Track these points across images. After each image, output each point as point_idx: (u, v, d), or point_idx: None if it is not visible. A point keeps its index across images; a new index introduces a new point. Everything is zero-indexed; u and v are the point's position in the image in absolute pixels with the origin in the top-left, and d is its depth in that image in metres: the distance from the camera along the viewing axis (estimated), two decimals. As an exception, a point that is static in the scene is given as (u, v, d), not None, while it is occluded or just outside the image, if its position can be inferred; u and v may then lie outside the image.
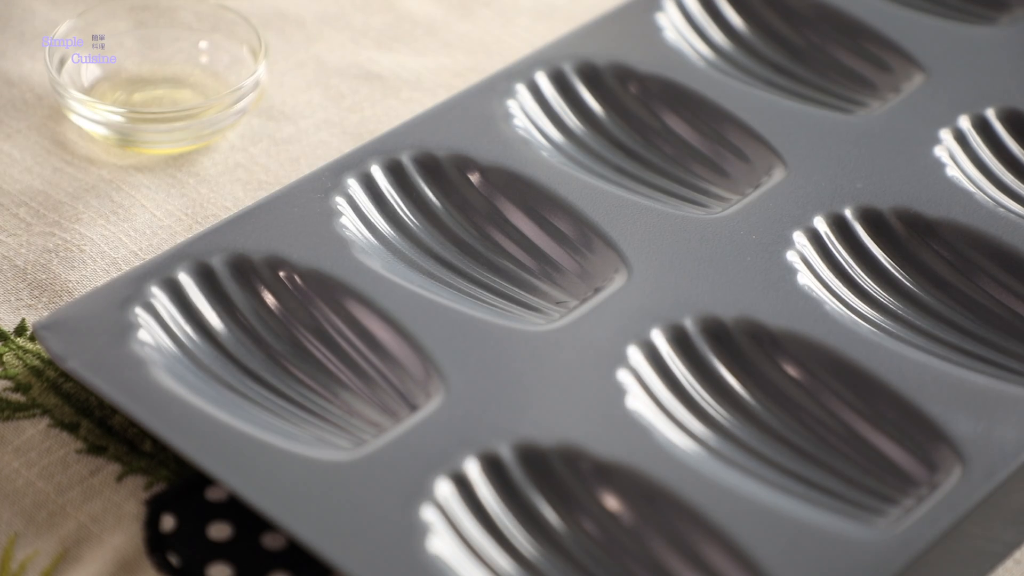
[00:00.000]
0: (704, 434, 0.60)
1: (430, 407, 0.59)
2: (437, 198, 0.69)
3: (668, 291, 0.64)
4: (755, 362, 0.62)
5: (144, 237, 0.69)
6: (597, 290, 0.65)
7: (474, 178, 0.69)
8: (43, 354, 0.63)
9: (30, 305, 0.66)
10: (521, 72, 0.74)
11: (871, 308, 0.65)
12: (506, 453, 0.58)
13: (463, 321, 0.62)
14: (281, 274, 0.64)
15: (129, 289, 0.63)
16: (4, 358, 0.63)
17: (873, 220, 0.68)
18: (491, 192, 0.69)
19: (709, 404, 0.61)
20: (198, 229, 0.69)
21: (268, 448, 0.58)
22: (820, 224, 0.67)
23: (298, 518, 0.55)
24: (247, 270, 0.64)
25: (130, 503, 0.58)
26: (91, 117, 0.72)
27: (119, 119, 0.72)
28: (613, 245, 0.66)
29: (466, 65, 0.79)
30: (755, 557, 0.55)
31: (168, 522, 0.58)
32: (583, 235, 0.67)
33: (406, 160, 0.69)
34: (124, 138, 0.73)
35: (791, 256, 0.65)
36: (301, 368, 0.62)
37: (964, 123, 0.72)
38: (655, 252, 0.65)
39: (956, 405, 0.60)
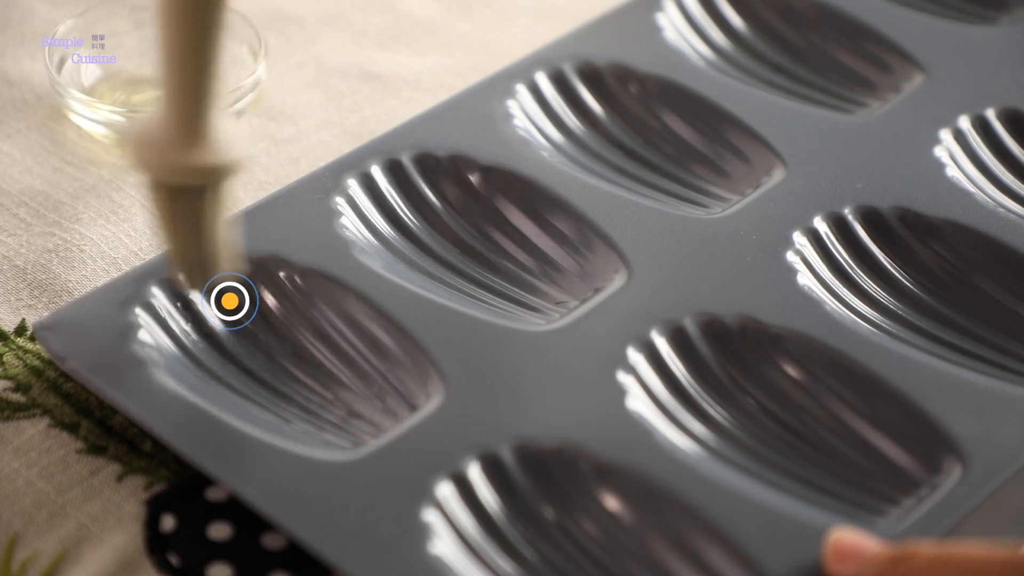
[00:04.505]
0: (704, 434, 0.60)
1: (430, 407, 0.59)
2: (437, 198, 0.69)
3: (668, 291, 0.64)
4: (755, 362, 0.62)
5: (144, 237, 0.69)
6: (597, 290, 0.65)
7: (474, 178, 0.69)
8: (43, 354, 0.63)
9: (30, 305, 0.66)
10: (521, 72, 0.74)
11: (871, 308, 0.65)
12: (506, 453, 0.58)
13: (463, 321, 0.62)
14: (281, 274, 0.64)
15: (129, 289, 0.63)
16: (4, 358, 0.63)
17: (873, 220, 0.68)
18: (491, 192, 0.69)
19: (709, 404, 0.61)
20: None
21: (268, 448, 0.58)
22: (820, 224, 0.67)
23: (298, 518, 0.55)
24: (247, 271, 0.64)
25: (130, 503, 0.58)
26: (91, 117, 0.72)
27: (119, 119, 0.72)
28: (613, 245, 0.66)
29: (466, 65, 0.79)
30: (755, 557, 0.55)
31: (168, 522, 0.58)
32: (583, 235, 0.67)
33: (406, 160, 0.69)
34: (124, 138, 0.73)
35: (791, 256, 0.65)
36: (301, 368, 0.62)
37: (964, 123, 0.72)
38: (655, 252, 0.65)
39: (956, 405, 0.60)
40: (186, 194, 0.58)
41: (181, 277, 0.60)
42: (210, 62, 0.55)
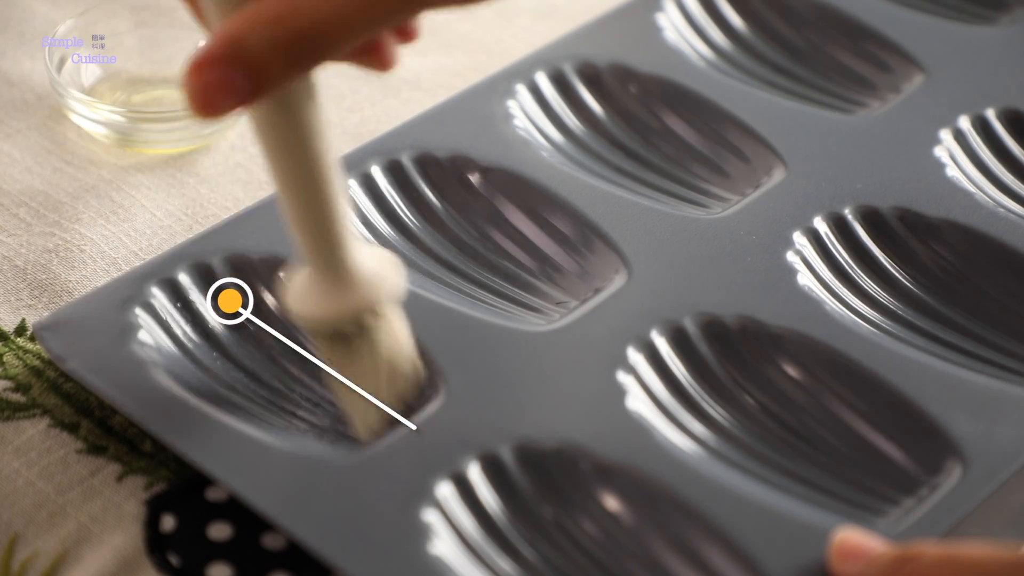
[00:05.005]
0: (704, 434, 0.60)
1: (430, 408, 0.59)
2: (437, 198, 0.69)
3: (668, 291, 0.64)
4: (755, 362, 0.62)
5: (144, 237, 0.69)
6: (597, 290, 0.65)
7: (474, 178, 0.69)
8: (43, 354, 0.63)
9: (30, 305, 0.66)
10: (521, 72, 0.74)
11: (871, 308, 0.65)
12: (506, 453, 0.58)
13: (463, 321, 0.62)
14: (281, 274, 0.64)
15: (129, 289, 0.63)
16: (4, 358, 0.63)
17: (873, 220, 0.68)
18: (491, 192, 0.69)
19: (709, 404, 0.61)
20: (198, 229, 0.69)
21: (268, 448, 0.58)
22: (820, 224, 0.67)
23: (298, 518, 0.55)
24: (247, 271, 0.64)
25: (130, 503, 0.58)
26: (91, 117, 0.72)
27: (119, 119, 0.72)
28: (613, 245, 0.66)
29: (466, 65, 0.79)
30: (755, 557, 0.55)
31: (168, 522, 0.58)
32: (583, 235, 0.67)
33: (406, 160, 0.69)
34: (124, 138, 0.73)
35: (791, 256, 0.65)
36: (301, 368, 0.62)
37: (964, 123, 0.72)
38: (655, 252, 0.65)
39: (956, 405, 0.60)
40: (350, 337, 0.55)
41: (367, 427, 0.58)
42: (332, 198, 0.52)
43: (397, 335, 0.56)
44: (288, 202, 0.53)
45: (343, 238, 0.53)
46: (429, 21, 0.82)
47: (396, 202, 0.68)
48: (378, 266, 0.55)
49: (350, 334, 0.55)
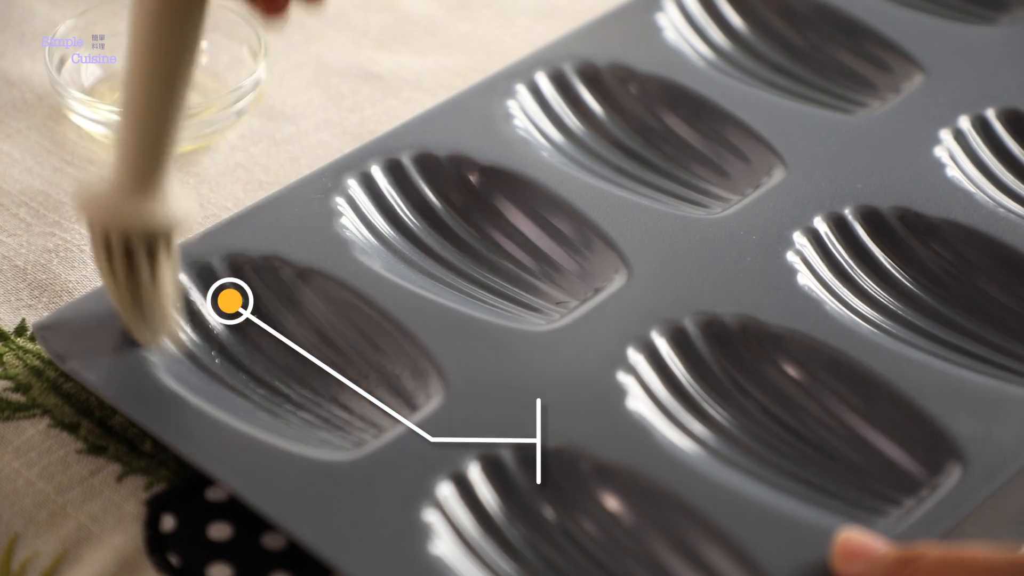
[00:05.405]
0: (704, 434, 0.60)
1: (430, 407, 0.59)
2: (437, 198, 0.69)
3: (668, 291, 0.64)
4: (755, 362, 0.62)
5: (144, 237, 0.69)
6: (597, 290, 0.65)
7: (474, 178, 0.69)
8: (43, 354, 0.63)
9: (30, 305, 0.66)
10: (521, 72, 0.74)
11: (871, 308, 0.65)
12: (506, 453, 0.58)
13: (463, 321, 0.62)
14: (281, 274, 0.64)
15: (129, 289, 0.63)
16: (4, 358, 0.63)
17: (873, 220, 0.68)
18: (491, 192, 0.69)
19: (709, 404, 0.61)
20: (198, 229, 0.69)
21: (268, 448, 0.58)
22: (820, 224, 0.67)
23: (298, 518, 0.55)
24: (247, 271, 0.64)
25: (130, 503, 0.58)
26: (91, 117, 0.72)
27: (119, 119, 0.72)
28: (613, 245, 0.66)
29: (466, 65, 0.79)
30: (755, 557, 0.55)
31: (168, 522, 0.58)
32: (583, 235, 0.67)
33: (406, 160, 0.69)
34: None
35: (791, 256, 0.65)
36: (301, 368, 0.62)
37: (964, 123, 0.72)
38: (655, 252, 0.65)
39: (956, 405, 0.60)
40: (130, 249, 0.58)
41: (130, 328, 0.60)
42: (175, 114, 0.55)
43: (170, 273, 0.58)
44: (136, 96, 0.54)
45: (170, 152, 0.55)
46: (429, 21, 0.83)
47: (396, 202, 0.68)
48: (180, 196, 0.57)
49: (134, 250, 0.57)
